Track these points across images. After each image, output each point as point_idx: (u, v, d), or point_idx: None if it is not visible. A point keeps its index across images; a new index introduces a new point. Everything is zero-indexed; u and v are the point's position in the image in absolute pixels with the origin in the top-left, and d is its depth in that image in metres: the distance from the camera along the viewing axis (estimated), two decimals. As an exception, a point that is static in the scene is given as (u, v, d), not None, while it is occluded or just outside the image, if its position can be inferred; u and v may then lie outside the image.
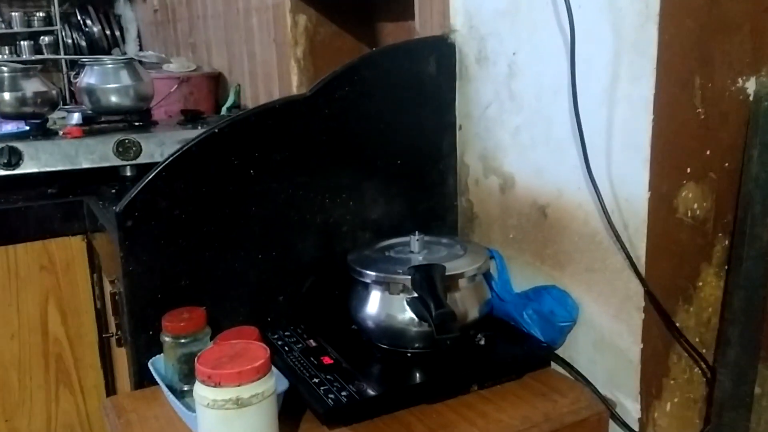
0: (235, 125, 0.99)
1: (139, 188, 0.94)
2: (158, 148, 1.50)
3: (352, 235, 1.10)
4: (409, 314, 0.92)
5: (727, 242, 0.90)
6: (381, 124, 1.10)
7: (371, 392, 0.86)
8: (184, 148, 0.96)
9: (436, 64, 1.12)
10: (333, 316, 1.04)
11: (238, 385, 0.70)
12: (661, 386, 0.90)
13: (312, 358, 0.94)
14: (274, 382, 0.73)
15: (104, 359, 1.51)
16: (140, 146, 1.49)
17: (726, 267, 0.90)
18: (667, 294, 0.87)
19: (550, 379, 0.95)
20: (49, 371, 1.47)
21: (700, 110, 0.83)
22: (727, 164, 0.87)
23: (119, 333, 1.27)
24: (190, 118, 1.77)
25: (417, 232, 1.02)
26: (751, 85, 0.86)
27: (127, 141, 1.48)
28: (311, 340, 1.00)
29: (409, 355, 0.95)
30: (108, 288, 1.37)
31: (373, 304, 0.96)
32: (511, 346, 0.98)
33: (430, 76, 1.12)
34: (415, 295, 0.90)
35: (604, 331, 0.93)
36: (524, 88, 1.00)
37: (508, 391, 0.92)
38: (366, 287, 0.97)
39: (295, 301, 1.06)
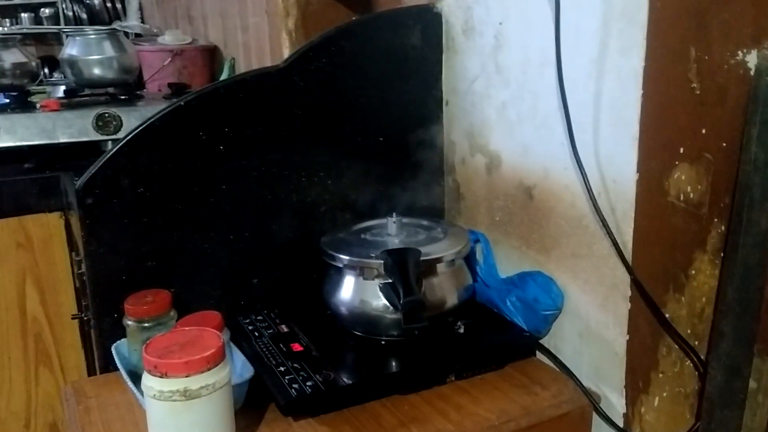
0: (203, 98, 0.94)
1: (99, 164, 0.89)
2: (139, 122, 1.44)
3: (331, 215, 1.05)
4: (383, 300, 0.87)
5: (723, 228, 0.84)
6: (362, 99, 1.04)
7: (338, 382, 0.81)
8: (147, 123, 0.91)
9: (422, 35, 1.06)
10: (310, 301, 0.99)
11: (186, 376, 0.65)
12: (648, 380, 0.85)
13: (281, 345, 0.90)
14: (227, 373, 0.69)
15: (84, 339, 1.47)
16: (121, 120, 1.44)
17: (722, 254, 0.84)
18: (656, 282, 0.81)
19: (533, 370, 0.90)
20: (27, 351, 1.44)
21: (695, 85, 0.77)
22: (724, 144, 0.80)
23: (87, 315, 1.23)
24: (176, 91, 1.72)
25: (394, 214, 0.96)
26: (752, 59, 0.79)
27: (107, 115, 1.43)
28: (283, 326, 0.95)
29: (383, 343, 0.90)
30: (85, 267, 1.32)
31: (347, 290, 0.91)
32: (493, 335, 0.93)
33: (414, 47, 1.06)
34: (389, 280, 0.85)
35: (590, 320, 0.87)
36: (511, 61, 0.94)
37: (487, 383, 0.87)
38: (339, 272, 0.92)
39: (269, 285, 1.02)
